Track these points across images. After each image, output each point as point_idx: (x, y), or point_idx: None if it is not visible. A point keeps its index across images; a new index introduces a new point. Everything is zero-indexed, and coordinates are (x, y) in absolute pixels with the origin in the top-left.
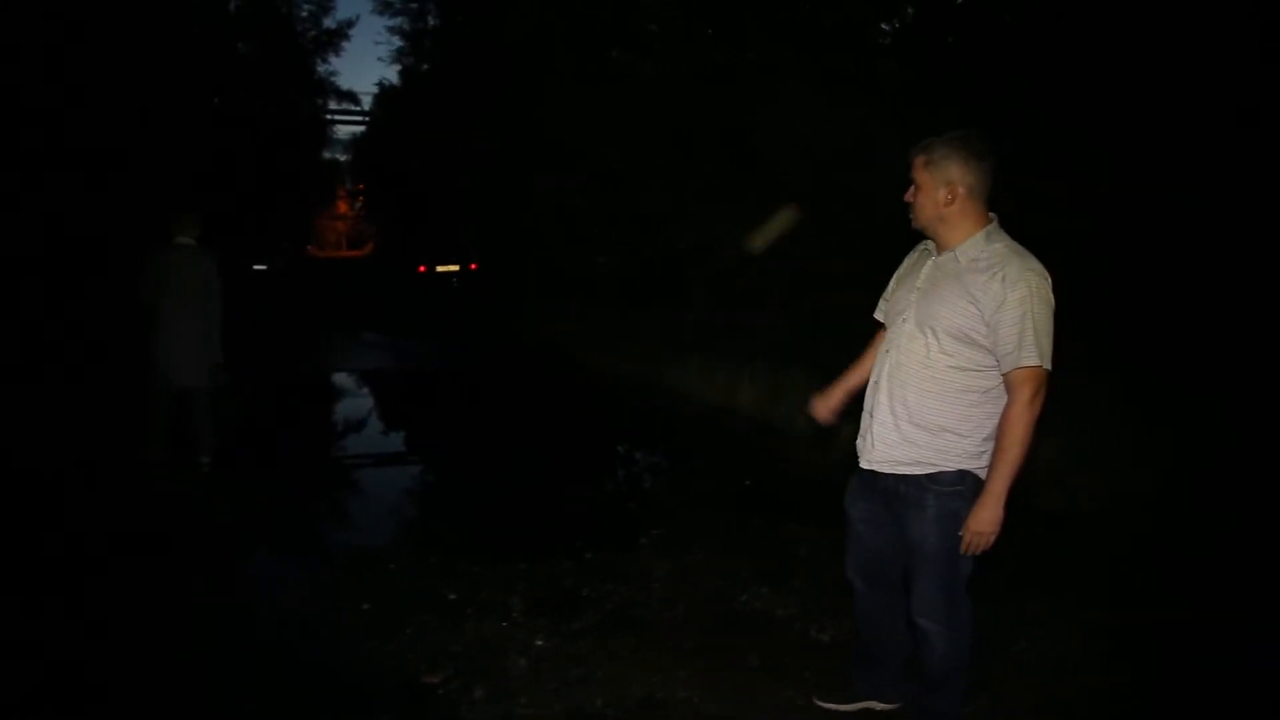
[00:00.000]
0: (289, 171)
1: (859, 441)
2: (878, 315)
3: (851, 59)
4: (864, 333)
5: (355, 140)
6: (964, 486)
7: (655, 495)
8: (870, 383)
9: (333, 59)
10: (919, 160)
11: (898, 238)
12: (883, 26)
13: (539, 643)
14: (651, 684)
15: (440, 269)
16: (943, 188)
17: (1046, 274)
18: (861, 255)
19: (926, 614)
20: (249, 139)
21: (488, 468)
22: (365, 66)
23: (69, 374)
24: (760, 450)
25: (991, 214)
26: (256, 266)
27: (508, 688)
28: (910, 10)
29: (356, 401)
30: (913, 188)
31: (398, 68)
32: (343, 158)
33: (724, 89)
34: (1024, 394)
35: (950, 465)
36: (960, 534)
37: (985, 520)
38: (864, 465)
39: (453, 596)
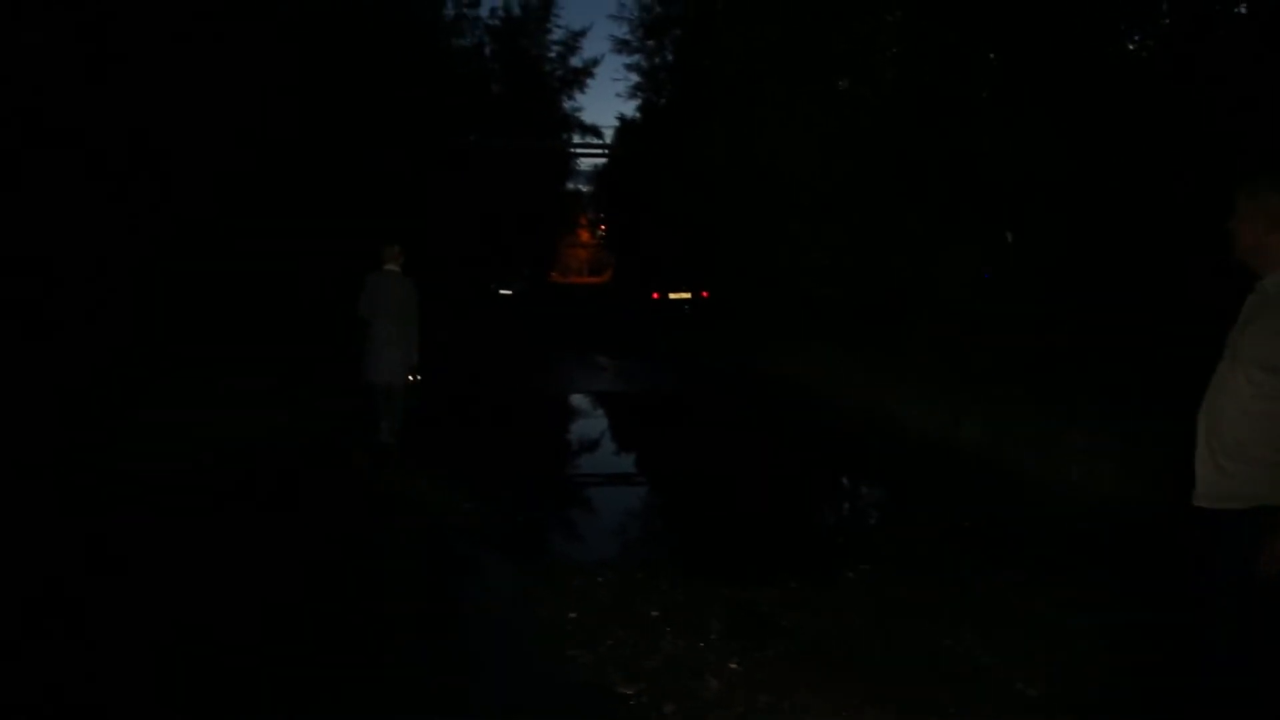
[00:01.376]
0: (534, 202)
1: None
2: None
3: (1090, 82)
4: (1092, 368)
5: (597, 171)
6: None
7: (866, 529)
8: (1198, 418)
9: (577, 95)
10: (1242, 192)
11: (1126, 271)
12: (1129, 46)
13: (732, 666)
14: None
15: (673, 296)
16: (1262, 219)
17: None
18: (1093, 284)
19: (1226, 648)
20: (498, 174)
21: (700, 491)
22: (607, 101)
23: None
24: (981, 489)
25: None
26: (502, 291)
27: (697, 706)
28: (1166, 22)
29: (580, 421)
30: (1235, 218)
31: (635, 102)
32: (585, 188)
33: (952, 118)
34: None
35: (1274, 499)
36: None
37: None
38: (1196, 503)
39: (654, 613)
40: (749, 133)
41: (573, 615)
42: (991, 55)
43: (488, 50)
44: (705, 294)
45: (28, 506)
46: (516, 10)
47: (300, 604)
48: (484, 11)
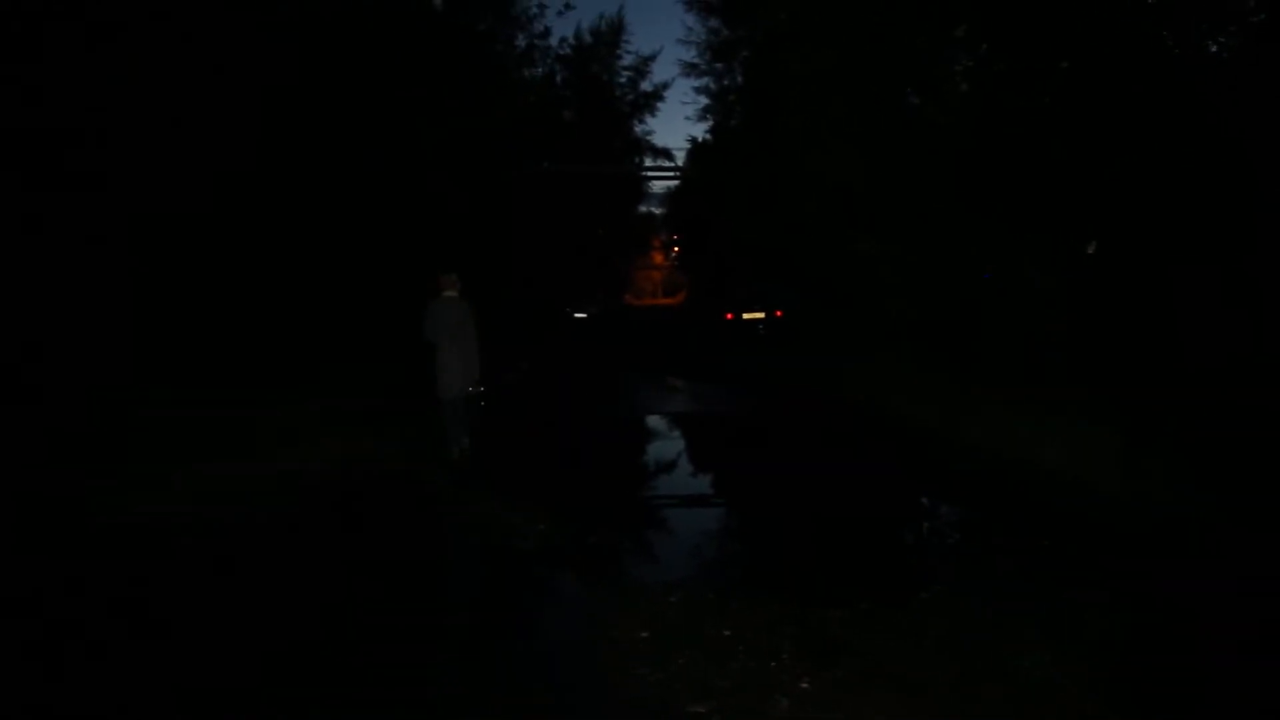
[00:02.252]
0: (606, 225)
1: None
2: None
3: (1169, 84)
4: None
5: (669, 194)
6: None
7: (941, 549)
8: None
9: (648, 119)
10: None
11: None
12: (1211, 47)
13: (803, 686)
14: None
15: (746, 316)
16: None
17: None
18: (1176, 294)
19: None
20: (573, 199)
21: (774, 511)
22: (677, 124)
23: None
24: (1060, 510)
25: None
26: (577, 315)
27: None
28: (1258, 18)
29: (653, 443)
30: None
31: (704, 125)
32: (658, 211)
33: (1021, 128)
34: None
35: None
36: None
37: None
38: None
39: (726, 633)
40: (815, 153)
41: (644, 635)
42: (1064, 64)
43: (559, 78)
44: (779, 314)
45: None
46: (588, 38)
47: (373, 621)
48: (555, 40)
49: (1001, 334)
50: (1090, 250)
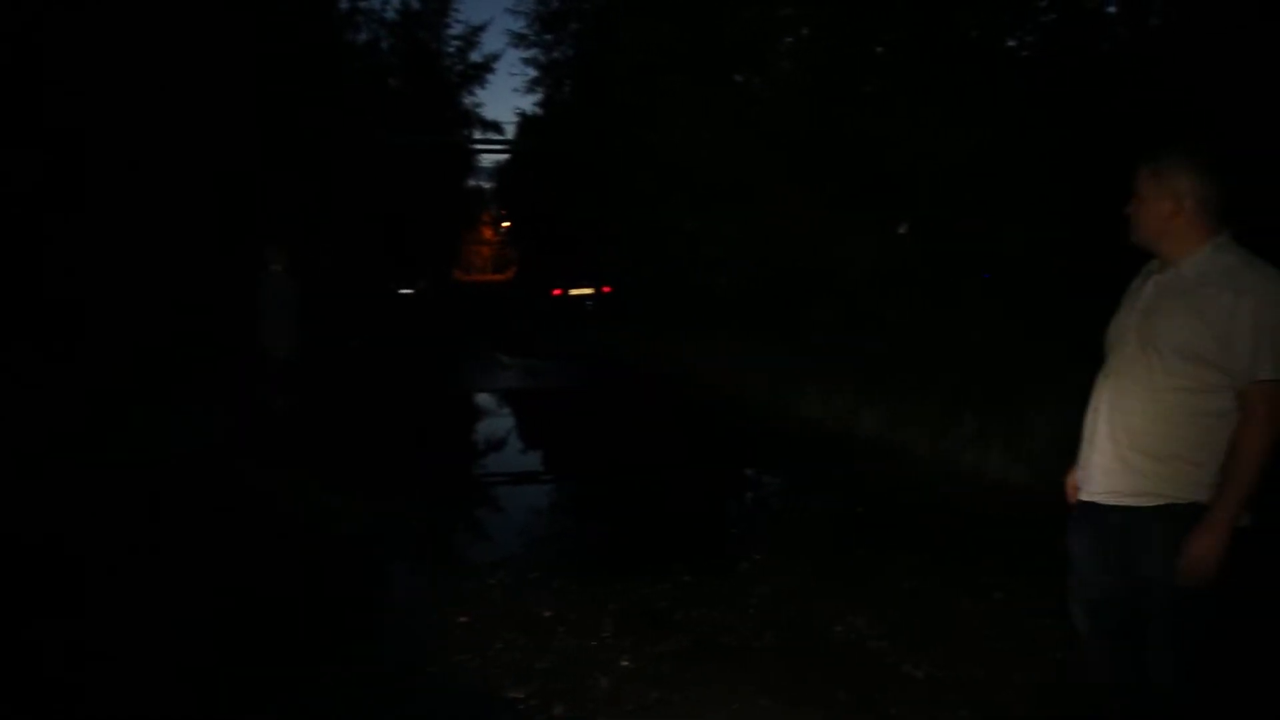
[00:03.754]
0: (434, 199)
1: (1078, 473)
2: None
3: (983, 73)
4: (993, 354)
5: (499, 168)
6: (1199, 522)
7: (763, 519)
8: (1089, 409)
9: (478, 91)
10: (1145, 171)
11: (1026, 255)
12: (1012, 42)
13: (624, 664)
14: (731, 712)
15: (575, 292)
16: (1168, 200)
17: None
18: (989, 273)
19: (1155, 659)
20: (396, 170)
21: (599, 487)
22: (509, 96)
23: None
24: (876, 476)
25: (1223, 228)
26: (402, 290)
27: (586, 707)
28: (1052, 17)
29: (480, 420)
30: (1135, 200)
31: (535, 98)
32: (487, 185)
33: (848, 107)
34: (1259, 412)
35: (1183, 497)
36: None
37: (1205, 547)
38: (1084, 498)
39: (547, 613)
40: (646, 127)
41: (463, 620)
42: (880, 49)
43: (385, 45)
44: (607, 289)
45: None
46: (416, 4)
47: (165, 615)
48: (379, 3)
49: (826, 310)
50: (901, 230)
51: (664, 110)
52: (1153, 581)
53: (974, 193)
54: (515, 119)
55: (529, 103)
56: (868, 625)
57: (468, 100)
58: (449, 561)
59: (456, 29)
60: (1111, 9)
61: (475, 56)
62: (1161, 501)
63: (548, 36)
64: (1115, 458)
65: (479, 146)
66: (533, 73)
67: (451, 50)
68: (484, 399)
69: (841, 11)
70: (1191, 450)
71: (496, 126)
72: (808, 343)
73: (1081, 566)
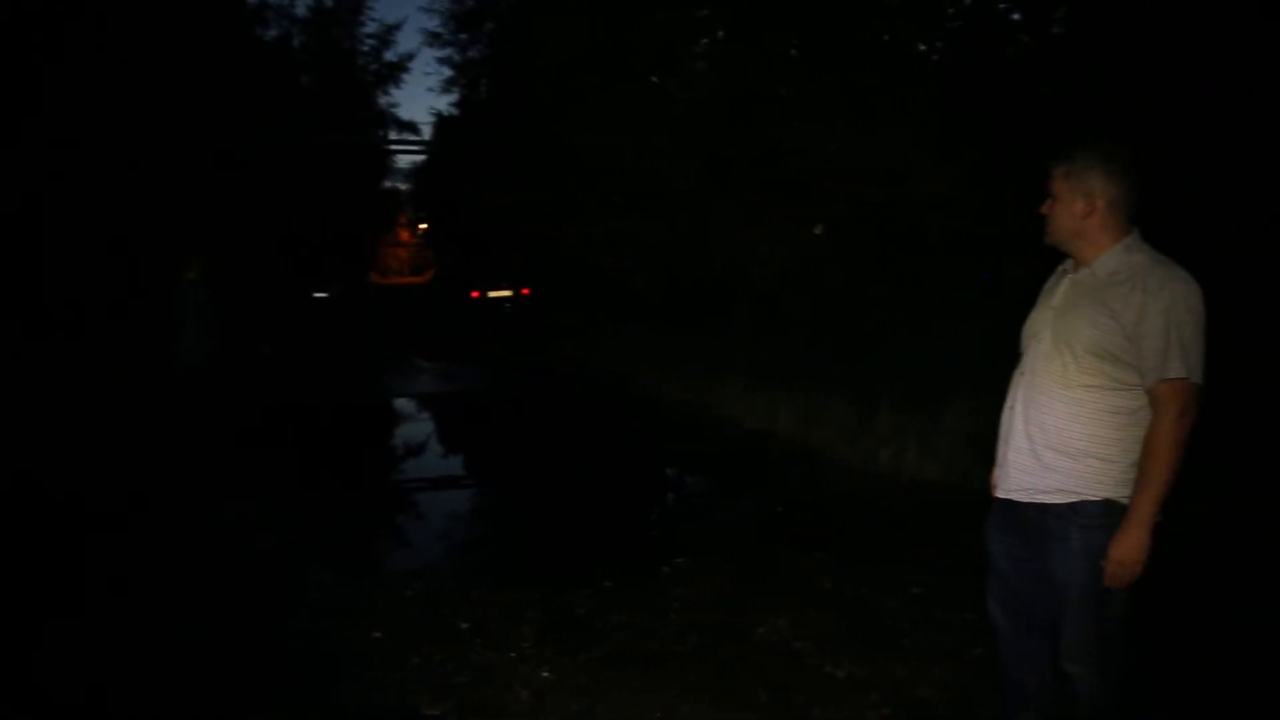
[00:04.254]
0: (350, 201)
1: (996, 471)
2: None
3: (886, 79)
4: (901, 353)
5: (416, 169)
6: (1111, 518)
7: (683, 521)
8: (1005, 408)
9: (393, 90)
10: (1058, 171)
11: (931, 256)
12: (921, 47)
13: (544, 674)
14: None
15: (493, 294)
16: (1081, 200)
17: (1194, 282)
18: (896, 274)
19: (1072, 656)
20: (309, 171)
21: (518, 493)
22: (425, 97)
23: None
24: (795, 476)
25: (1133, 227)
26: (317, 294)
27: None
28: (956, 24)
29: (397, 426)
30: (1049, 200)
31: (450, 98)
32: (404, 186)
33: (758, 110)
34: (1170, 410)
35: (1095, 494)
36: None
37: (1128, 549)
38: (1000, 495)
39: (464, 625)
40: (563, 128)
41: (377, 635)
42: (793, 52)
43: (297, 43)
44: (526, 291)
45: None
46: (329, 2)
47: (67, 639)
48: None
49: (745, 311)
50: (817, 231)
51: (581, 111)
52: (1066, 578)
53: (885, 194)
54: (431, 119)
55: (445, 103)
56: (790, 626)
57: (383, 100)
58: (365, 572)
59: (371, 27)
60: (1016, 16)
61: (390, 56)
62: (1074, 499)
63: (463, 35)
64: (1029, 455)
65: (395, 147)
66: (448, 72)
67: (366, 49)
68: (402, 404)
69: (755, 14)
70: (1103, 447)
71: (413, 127)
72: (726, 343)
73: (999, 564)
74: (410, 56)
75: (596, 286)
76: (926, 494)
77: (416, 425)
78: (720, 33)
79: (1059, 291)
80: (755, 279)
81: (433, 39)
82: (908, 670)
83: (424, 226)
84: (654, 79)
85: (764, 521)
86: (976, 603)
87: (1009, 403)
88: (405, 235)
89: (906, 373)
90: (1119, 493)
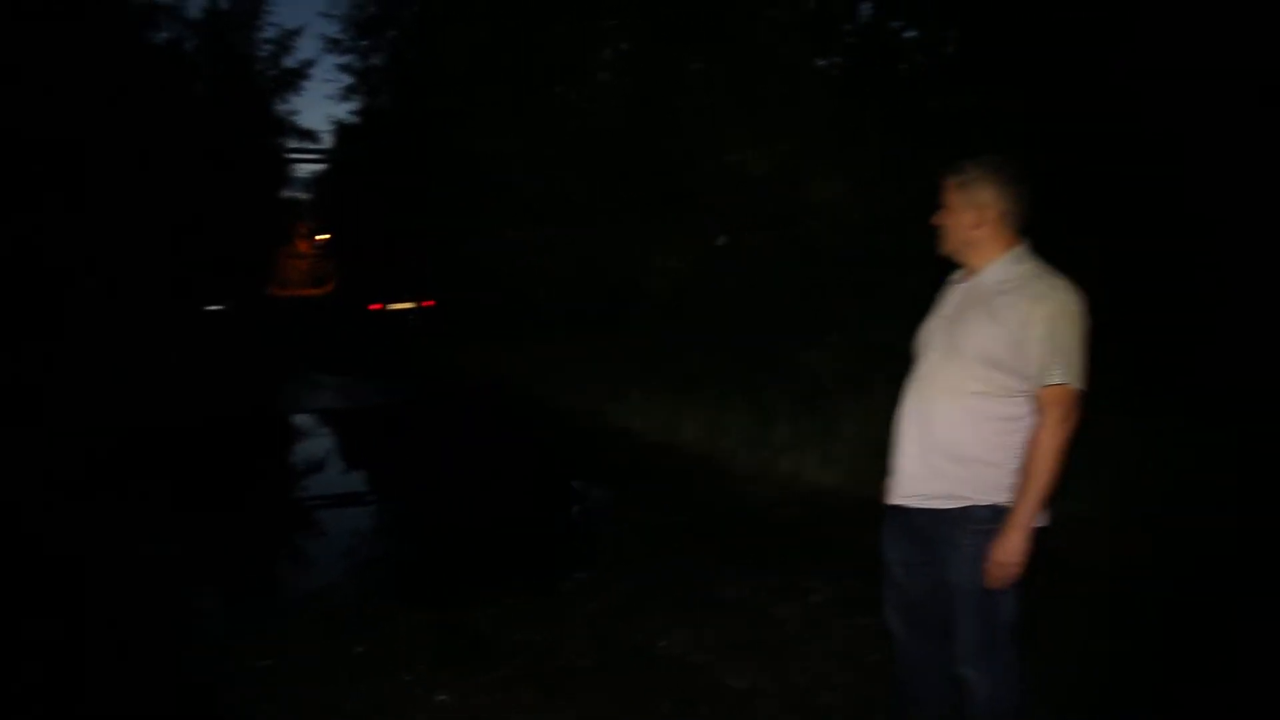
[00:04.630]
0: (247, 211)
1: (890, 479)
2: None
3: (783, 92)
4: (801, 361)
5: (316, 178)
6: (1000, 523)
7: (585, 535)
8: (898, 415)
9: (293, 98)
10: (951, 183)
11: (828, 267)
12: (820, 62)
13: (441, 698)
14: None
15: (395, 307)
16: (973, 211)
17: (1076, 292)
18: (795, 285)
19: (967, 661)
20: (204, 179)
21: (418, 509)
22: (325, 103)
23: None
24: (697, 486)
25: (1022, 238)
26: (210, 307)
27: None
28: (851, 41)
29: (296, 443)
30: (942, 210)
31: (350, 106)
32: (304, 196)
33: (658, 121)
34: (1052, 414)
35: (984, 499)
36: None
37: (1008, 550)
38: (893, 502)
39: (359, 649)
40: (464, 137)
41: (264, 664)
42: (693, 65)
43: (190, 47)
44: (430, 303)
45: None
46: (224, 4)
47: None
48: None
49: (645, 323)
50: (719, 242)
51: (482, 120)
52: (958, 582)
53: (782, 205)
54: (331, 127)
55: (345, 110)
56: (692, 638)
57: (282, 107)
58: (255, 596)
59: (270, 32)
60: (910, 35)
61: (290, 62)
62: (964, 504)
63: (363, 42)
64: (920, 461)
65: (295, 156)
66: (348, 79)
67: (264, 54)
68: (301, 420)
69: (657, 27)
70: (991, 453)
71: (312, 135)
72: (629, 354)
73: (894, 570)
74: (310, 63)
75: (500, 298)
76: (826, 500)
77: (314, 442)
78: (623, 45)
79: (950, 300)
80: (656, 289)
81: (333, 45)
82: (808, 678)
83: (325, 237)
84: (556, 89)
85: (666, 533)
86: (875, 608)
87: (901, 410)
88: (305, 246)
89: (806, 381)
90: (1008, 497)
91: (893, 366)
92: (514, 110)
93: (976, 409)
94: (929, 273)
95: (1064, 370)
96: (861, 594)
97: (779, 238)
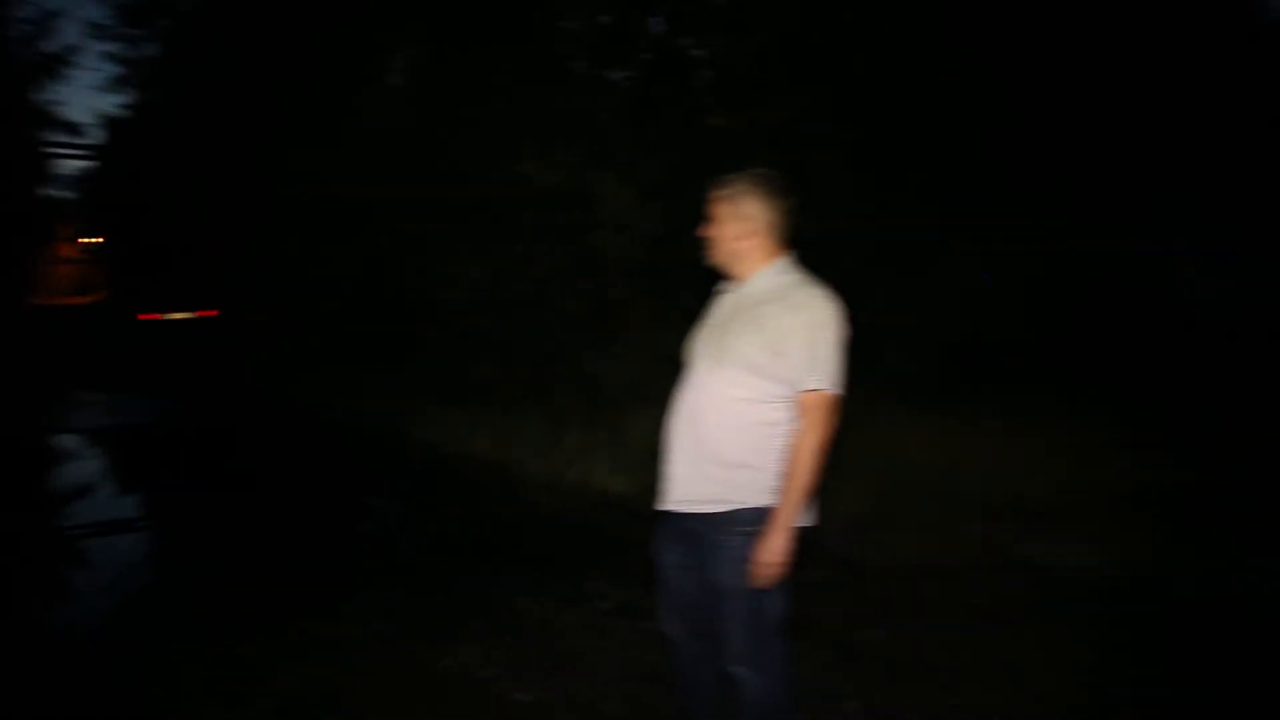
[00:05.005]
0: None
1: (661, 485)
2: None
3: (574, 104)
4: (590, 370)
5: (83, 176)
6: (765, 524)
7: (370, 553)
8: (671, 421)
9: (56, 87)
10: (717, 195)
11: (623, 277)
12: (613, 76)
13: None
14: None
15: (172, 316)
16: (738, 223)
17: (835, 301)
18: (585, 295)
19: (737, 660)
20: None
21: (193, 536)
22: (94, 96)
23: None
24: (489, 498)
25: (788, 250)
26: None
27: None
28: (649, 56)
29: (52, 467)
30: (710, 223)
31: (120, 99)
32: (68, 195)
33: (448, 130)
34: (811, 418)
35: (750, 501)
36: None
37: (772, 550)
38: (665, 507)
39: (120, 686)
40: (247, 139)
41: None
42: (485, 74)
43: None
44: (212, 313)
45: None
46: None
47: None
48: None
49: (438, 332)
50: (513, 253)
51: (266, 121)
52: (727, 583)
53: (572, 216)
54: (99, 121)
55: (112, 103)
56: (477, 654)
57: (42, 97)
58: (19, 638)
59: (27, 12)
60: (699, 53)
61: (50, 46)
62: (731, 507)
63: (134, 30)
64: (690, 467)
65: (57, 151)
66: (117, 69)
67: (20, 37)
68: (64, 441)
69: (448, 36)
70: (755, 456)
71: (78, 129)
72: (421, 365)
73: (669, 575)
74: (75, 49)
75: (287, 309)
76: (615, 507)
77: (77, 465)
78: (412, 51)
79: (719, 310)
80: (448, 300)
81: (98, 31)
82: (594, 687)
83: (94, 240)
84: (342, 92)
85: (455, 546)
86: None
87: (672, 417)
88: (69, 250)
89: (596, 389)
90: (772, 499)
91: (680, 374)
92: (297, 114)
93: (742, 415)
94: (714, 283)
95: (822, 376)
96: (646, 599)
97: (569, 248)
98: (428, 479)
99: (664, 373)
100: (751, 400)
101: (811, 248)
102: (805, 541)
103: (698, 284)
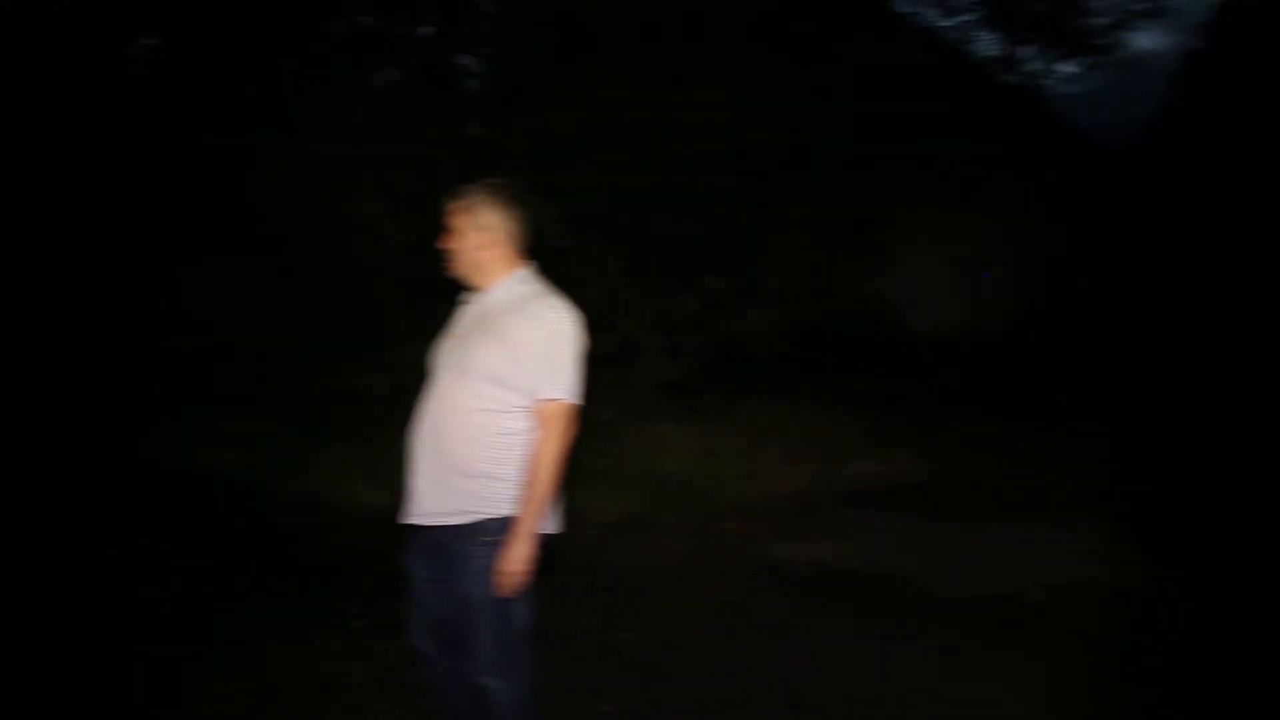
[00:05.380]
0: None
1: (406, 498)
2: None
3: (328, 106)
4: (347, 381)
5: None
6: (508, 534)
7: (95, 589)
8: (413, 435)
9: None
10: (456, 206)
11: (381, 287)
12: (374, 81)
13: None
14: None
15: None
16: (477, 233)
17: (573, 312)
18: (343, 305)
19: (486, 670)
20: None
21: None
22: None
23: None
24: (239, 520)
25: (529, 260)
26: None
27: None
28: (414, 61)
29: None
30: (450, 234)
31: None
32: None
33: (208, 131)
34: (550, 428)
35: (494, 511)
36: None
37: (515, 558)
38: (410, 521)
39: None
40: None
41: None
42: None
43: None
44: None
45: None
46: None
47: None
48: None
49: (179, 341)
50: (266, 258)
51: None
52: (474, 593)
53: (323, 220)
54: None
55: None
56: (223, 691)
57: None
58: None
59: None
60: (465, 61)
61: None
62: (475, 518)
63: None
64: (433, 479)
65: None
66: None
67: None
68: None
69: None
70: (498, 466)
71: None
72: (163, 376)
73: (417, 589)
74: None
75: None
76: (373, 522)
77: None
78: (152, 43)
79: (461, 321)
80: (190, 307)
81: None
82: (348, 711)
83: None
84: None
85: (202, 576)
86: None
87: (416, 429)
88: None
89: (353, 402)
90: (516, 509)
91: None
92: None
93: (484, 425)
94: (464, 294)
95: (559, 386)
96: (400, 615)
97: (325, 256)
98: (169, 501)
99: (425, 384)
100: (492, 411)
101: (566, 259)
102: (553, 548)
103: (454, 295)
